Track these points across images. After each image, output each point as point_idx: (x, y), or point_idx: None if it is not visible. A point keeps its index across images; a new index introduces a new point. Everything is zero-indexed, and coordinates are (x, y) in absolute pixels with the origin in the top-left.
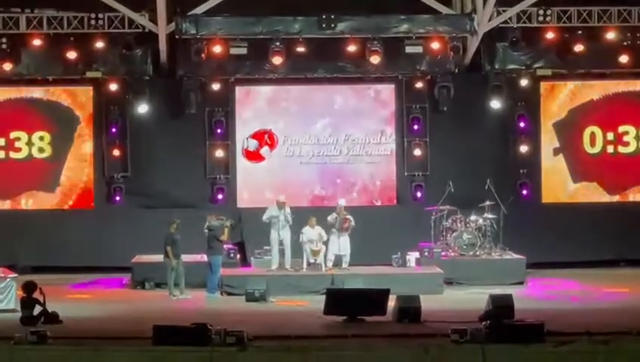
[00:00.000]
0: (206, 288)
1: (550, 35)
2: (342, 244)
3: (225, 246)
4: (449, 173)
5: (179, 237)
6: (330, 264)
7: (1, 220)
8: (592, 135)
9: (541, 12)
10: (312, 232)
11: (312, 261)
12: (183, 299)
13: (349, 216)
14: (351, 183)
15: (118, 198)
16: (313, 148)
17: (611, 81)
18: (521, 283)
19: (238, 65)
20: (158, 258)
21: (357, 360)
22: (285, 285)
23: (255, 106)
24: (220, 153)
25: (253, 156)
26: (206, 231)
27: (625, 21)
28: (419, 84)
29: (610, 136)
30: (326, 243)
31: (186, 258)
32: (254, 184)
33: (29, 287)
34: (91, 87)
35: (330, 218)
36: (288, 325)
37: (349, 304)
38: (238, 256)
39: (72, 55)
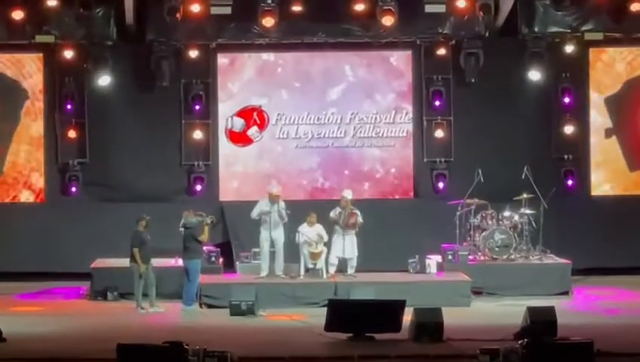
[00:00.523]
0: (182, 299)
1: None
2: (347, 245)
3: (204, 248)
4: (478, 160)
5: (148, 237)
6: (332, 270)
7: None
8: None
9: None
10: (310, 231)
11: (310, 266)
12: (153, 312)
13: (355, 211)
14: (358, 172)
15: (74, 189)
16: (312, 129)
17: None
18: (566, 293)
19: (220, 28)
20: (124, 262)
21: None
22: (278, 295)
23: (241, 78)
24: (198, 135)
25: (239, 138)
26: (182, 229)
27: None
28: (441, 51)
29: None
30: (328, 244)
31: (157, 262)
32: (240, 172)
33: None
34: (41, 55)
35: (333, 213)
36: (281, 344)
37: (356, 318)
38: (221, 259)
39: (18, 15)
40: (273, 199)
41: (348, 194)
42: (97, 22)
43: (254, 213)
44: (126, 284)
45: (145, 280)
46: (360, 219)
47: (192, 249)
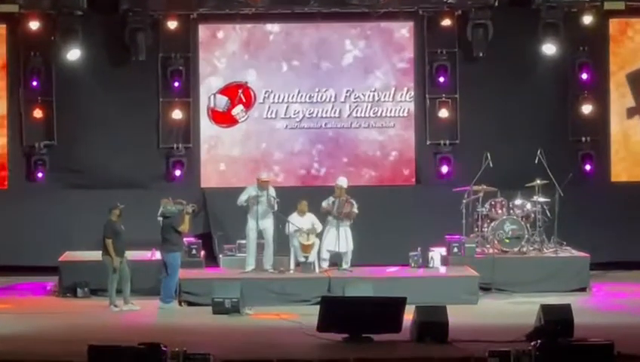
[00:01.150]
0: (159, 296)
1: None
2: (341, 239)
3: (185, 239)
4: (486, 142)
5: (122, 227)
6: (325, 265)
7: None
8: None
9: None
10: (302, 221)
11: (301, 259)
12: (127, 310)
13: (351, 200)
14: (354, 155)
15: (40, 175)
16: (304, 108)
17: None
18: (583, 289)
19: None
20: (95, 255)
21: None
22: (266, 292)
23: (225, 51)
24: (177, 114)
25: (223, 118)
26: (160, 219)
27: None
28: (446, 22)
29: None
30: (320, 235)
31: (132, 255)
32: (224, 156)
33: None
34: (4, 26)
35: (326, 203)
36: (269, 346)
37: (352, 317)
38: (203, 252)
39: None
40: (262, 185)
41: (343, 182)
42: None
43: (242, 199)
44: (98, 279)
45: (119, 275)
46: (355, 210)
47: (171, 240)
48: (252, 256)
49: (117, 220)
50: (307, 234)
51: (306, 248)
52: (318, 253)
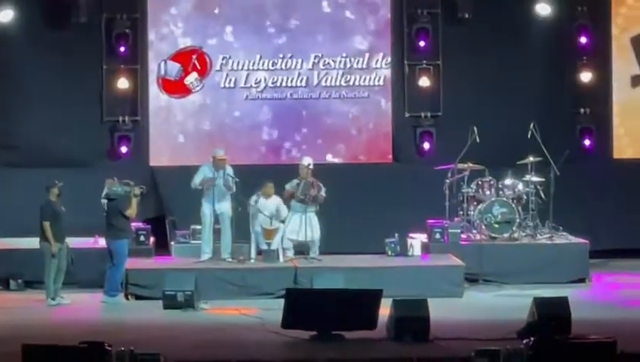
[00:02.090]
0: (103, 289)
1: None
2: (307, 226)
3: (132, 224)
4: (472, 115)
5: (63, 208)
6: (289, 253)
7: None
8: None
9: None
10: (267, 204)
11: (264, 247)
12: (56, 304)
13: (318, 183)
14: (324, 130)
15: None
16: (266, 76)
17: None
18: (582, 280)
19: None
20: (31, 242)
21: None
22: (223, 284)
23: (177, 12)
24: (123, 83)
25: (175, 87)
26: (104, 201)
27: None
28: None
29: None
30: (285, 221)
31: (72, 242)
32: (176, 131)
33: None
34: None
35: (290, 186)
36: (228, 345)
37: (321, 312)
38: (152, 239)
39: None
40: (218, 164)
41: (307, 161)
42: None
43: (196, 182)
44: (34, 270)
45: (58, 263)
46: (323, 193)
47: (117, 226)
48: (208, 244)
49: (56, 200)
50: (270, 218)
51: (269, 233)
52: (281, 241)
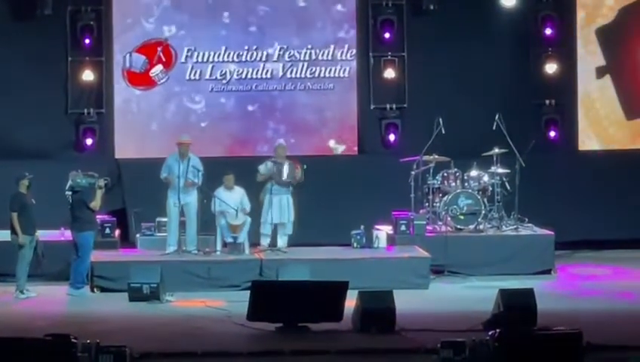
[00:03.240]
0: (69, 281)
1: None
2: (283, 207)
3: (97, 217)
4: (438, 106)
5: (33, 201)
6: (266, 242)
7: None
8: None
9: None
10: (229, 197)
11: (229, 240)
12: (24, 298)
13: (298, 163)
14: (289, 121)
15: None
16: (231, 68)
17: None
18: (548, 271)
19: None
20: (2, 235)
21: None
22: (189, 276)
23: (142, 4)
24: (88, 75)
25: (140, 80)
26: (68, 194)
27: None
28: None
29: None
30: (256, 210)
31: (38, 235)
32: (141, 123)
33: None
34: None
35: (264, 168)
36: (193, 337)
37: (287, 304)
38: (117, 231)
39: None
40: (183, 151)
41: (283, 142)
42: None
43: (163, 173)
44: (3, 263)
45: (26, 254)
46: (302, 174)
47: (82, 218)
48: (173, 236)
49: (26, 192)
50: (236, 211)
51: (234, 228)
52: (259, 229)
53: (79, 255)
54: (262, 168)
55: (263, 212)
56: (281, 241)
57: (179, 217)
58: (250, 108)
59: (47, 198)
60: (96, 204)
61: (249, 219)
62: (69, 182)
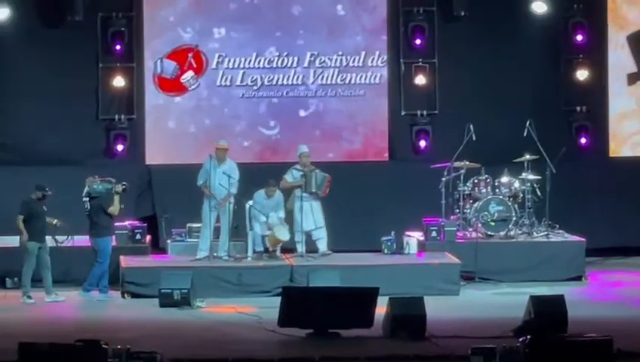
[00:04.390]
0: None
1: None
2: (315, 213)
3: (129, 223)
4: (468, 113)
5: (44, 208)
6: (301, 248)
7: None
8: None
9: None
10: (268, 204)
11: (259, 249)
12: (51, 301)
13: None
14: (320, 128)
15: None
16: (262, 75)
17: None
18: (579, 278)
19: None
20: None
21: None
22: (220, 282)
23: (173, 10)
24: (119, 81)
25: (171, 86)
26: (85, 200)
27: None
28: None
29: None
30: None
31: (71, 241)
32: (172, 129)
33: None
34: None
35: (291, 177)
36: (224, 343)
37: (317, 311)
38: (148, 237)
39: None
40: (219, 156)
41: (306, 149)
42: None
43: (200, 180)
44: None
45: (36, 261)
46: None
47: (100, 223)
48: (206, 241)
49: (37, 201)
50: (278, 225)
51: (275, 242)
52: (293, 236)
53: (98, 260)
54: (288, 177)
55: (295, 220)
56: (322, 246)
57: (214, 223)
58: (280, 114)
59: (78, 205)
60: (114, 209)
61: (286, 234)
62: (86, 189)
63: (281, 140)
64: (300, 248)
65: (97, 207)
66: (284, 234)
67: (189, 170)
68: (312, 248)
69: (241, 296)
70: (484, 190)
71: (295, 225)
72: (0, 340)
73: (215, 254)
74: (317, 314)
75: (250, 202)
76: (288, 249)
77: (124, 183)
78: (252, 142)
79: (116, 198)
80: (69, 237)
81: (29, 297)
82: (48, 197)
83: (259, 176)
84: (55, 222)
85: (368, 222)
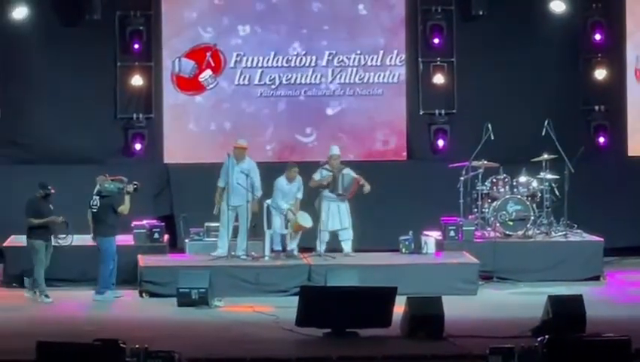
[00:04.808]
0: (111, 286)
1: None
2: (342, 214)
3: (146, 222)
4: (487, 112)
5: (51, 207)
6: (323, 248)
7: None
8: None
9: None
10: (287, 189)
11: (278, 248)
12: (49, 301)
13: (360, 179)
14: (338, 127)
15: None
16: (280, 73)
17: None
18: (597, 278)
19: None
20: None
21: None
22: (237, 281)
23: (191, 8)
24: (137, 80)
25: (189, 85)
26: (96, 198)
27: None
28: None
29: None
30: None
31: (86, 240)
32: (190, 128)
33: None
34: None
35: (319, 176)
36: (242, 342)
37: (335, 310)
38: (166, 236)
39: None
40: (238, 154)
41: (337, 150)
42: None
43: (221, 182)
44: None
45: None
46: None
47: (107, 223)
48: (224, 240)
49: (42, 199)
50: (303, 212)
51: (298, 227)
52: (318, 237)
53: (101, 260)
54: (317, 176)
55: (321, 220)
56: (346, 246)
57: (232, 221)
58: (298, 113)
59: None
60: (124, 208)
61: (308, 219)
62: (97, 187)
63: (299, 139)
64: (319, 247)
65: (107, 206)
66: (307, 220)
67: (207, 170)
68: (333, 248)
69: (259, 296)
70: (502, 189)
71: (320, 224)
72: (18, 339)
73: (233, 253)
74: (335, 314)
75: (269, 201)
76: (307, 248)
77: (135, 183)
78: (270, 141)
79: (127, 198)
80: (68, 235)
81: (47, 296)
82: (52, 195)
83: (276, 175)
84: (60, 219)
85: (386, 221)
